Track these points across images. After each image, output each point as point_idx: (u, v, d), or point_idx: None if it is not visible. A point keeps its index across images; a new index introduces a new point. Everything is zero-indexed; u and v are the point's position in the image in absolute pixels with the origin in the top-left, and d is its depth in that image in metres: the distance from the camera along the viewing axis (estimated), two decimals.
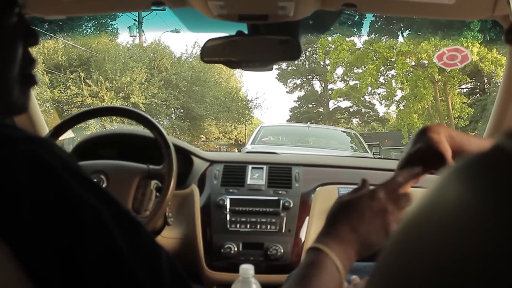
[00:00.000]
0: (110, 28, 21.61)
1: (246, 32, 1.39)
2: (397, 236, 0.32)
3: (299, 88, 38.35)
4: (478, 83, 26.42)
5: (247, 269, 1.48)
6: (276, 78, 37.69)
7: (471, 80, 25.23)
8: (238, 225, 1.92)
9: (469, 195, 0.27)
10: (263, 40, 1.42)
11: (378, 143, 31.36)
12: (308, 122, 12.08)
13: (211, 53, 1.43)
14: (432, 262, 0.27)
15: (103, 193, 0.58)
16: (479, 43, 17.94)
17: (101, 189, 0.58)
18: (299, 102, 38.60)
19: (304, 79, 37.85)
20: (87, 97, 18.67)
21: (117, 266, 0.55)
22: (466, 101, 23.05)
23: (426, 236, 0.29)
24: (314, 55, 35.03)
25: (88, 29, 20.90)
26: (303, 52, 33.48)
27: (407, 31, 22.73)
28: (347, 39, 23.60)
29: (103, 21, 20.52)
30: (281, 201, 1.95)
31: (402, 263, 0.30)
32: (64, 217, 0.53)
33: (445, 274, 0.26)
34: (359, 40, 24.39)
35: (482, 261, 0.24)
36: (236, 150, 22.73)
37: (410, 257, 0.29)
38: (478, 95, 26.00)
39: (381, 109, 41.64)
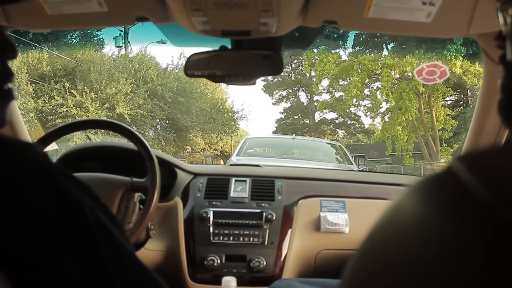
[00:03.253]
0: (95, 39, 21.53)
1: (229, 47, 1.40)
2: (362, 248, 0.34)
3: (285, 100, 38.52)
4: (462, 96, 26.75)
5: (229, 281, 1.49)
6: (262, 89, 37.88)
7: (454, 93, 25.56)
8: (221, 238, 1.93)
9: (422, 212, 0.29)
10: (246, 55, 1.44)
11: (363, 154, 31.57)
12: (294, 134, 12.08)
13: (195, 67, 1.44)
14: (391, 274, 0.29)
15: (92, 193, 0.59)
16: (462, 57, 18.20)
17: (89, 188, 0.59)
18: (285, 114, 38.73)
19: (290, 91, 38.03)
20: (71, 107, 18.52)
21: (127, 261, 0.57)
22: (450, 113, 23.31)
23: (386, 250, 0.31)
24: (300, 67, 35.26)
25: (73, 39, 20.78)
26: (289, 63, 33.69)
27: (392, 44, 22.98)
28: (333, 51, 23.74)
29: (88, 31, 20.43)
30: (264, 214, 1.96)
31: (365, 274, 0.32)
32: (72, 220, 0.54)
33: (402, 286, 0.28)
34: (345, 53, 24.58)
35: (431, 274, 0.26)
36: (222, 161, 22.69)
37: (372, 269, 0.31)
38: (461, 107, 26.32)
39: (366, 121, 41.90)
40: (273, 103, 42.38)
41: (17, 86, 15.87)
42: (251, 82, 1.49)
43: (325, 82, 28.60)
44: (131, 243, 0.62)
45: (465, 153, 0.31)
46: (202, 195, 2.05)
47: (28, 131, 1.77)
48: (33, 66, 18.59)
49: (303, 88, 37.29)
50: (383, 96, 23.57)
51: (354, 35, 22.21)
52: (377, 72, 23.09)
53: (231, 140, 27.37)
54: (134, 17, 1.31)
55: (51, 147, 1.91)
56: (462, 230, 0.26)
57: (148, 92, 21.28)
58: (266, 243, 1.92)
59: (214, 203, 2.02)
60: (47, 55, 19.25)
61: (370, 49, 23.56)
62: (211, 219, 1.96)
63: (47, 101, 18.71)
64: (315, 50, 24.10)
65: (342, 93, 26.26)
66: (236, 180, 2.10)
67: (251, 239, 1.92)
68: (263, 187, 2.08)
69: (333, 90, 29.35)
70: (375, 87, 25.09)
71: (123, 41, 21.64)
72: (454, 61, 18.27)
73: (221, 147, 27.52)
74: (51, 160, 0.57)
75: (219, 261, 1.88)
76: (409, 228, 0.29)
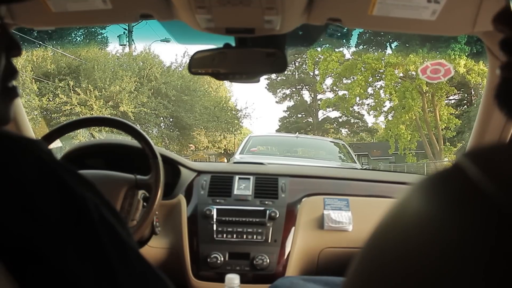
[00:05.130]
0: (99, 37, 21.59)
1: (233, 44, 1.40)
2: (366, 246, 0.34)
3: (288, 98, 38.53)
4: (466, 95, 26.70)
5: (232, 278, 1.49)
6: (266, 88, 37.90)
7: (458, 92, 25.50)
8: (224, 235, 1.93)
9: (428, 208, 0.29)
10: (250, 52, 1.43)
11: (367, 153, 31.55)
12: (297, 132, 12.06)
13: (199, 65, 1.44)
14: (396, 273, 0.29)
15: (96, 190, 0.59)
16: (466, 56, 18.16)
17: (93, 185, 0.59)
18: (289, 112, 38.74)
19: (294, 89, 38.02)
20: (75, 105, 18.56)
21: (131, 258, 0.57)
22: (453, 112, 23.29)
23: (392, 247, 0.31)
24: (304, 66, 35.23)
25: (77, 37, 20.85)
26: (293, 62, 33.68)
27: (395, 43, 22.97)
28: (336, 50, 23.75)
29: (92, 29, 20.48)
30: (268, 212, 1.96)
31: (370, 272, 0.32)
32: (76, 217, 0.54)
33: (409, 283, 0.28)
34: (348, 51, 24.57)
35: (438, 271, 0.26)
36: (225, 160, 22.68)
37: (377, 267, 0.31)
38: (465, 106, 26.27)
39: (370, 120, 41.78)
40: (276, 102, 42.45)
41: (21, 84, 15.91)
42: (255, 80, 1.49)
43: (328, 81, 28.67)
44: (135, 240, 0.63)
45: (472, 149, 0.31)
46: (205, 192, 2.05)
47: (32, 128, 1.78)
48: (38, 64, 18.62)
49: (307, 87, 37.29)
50: (387, 95, 23.57)
51: (358, 34, 22.24)
52: (380, 71, 23.07)
53: (235, 139, 27.36)
54: (138, 15, 1.31)
55: (55, 145, 1.92)
56: (470, 226, 0.26)
57: (152, 90, 21.29)
58: (269, 241, 1.92)
59: (217, 200, 2.02)
60: (52, 53, 19.28)
61: (373, 48, 23.55)
62: (215, 216, 1.96)
63: (51, 99, 18.74)
64: (319, 49, 24.13)
65: (345, 92, 26.25)
66: (239, 178, 2.11)
67: (255, 236, 1.92)
68: (267, 185, 2.08)
69: (337, 89, 29.31)
70: (378, 86, 25.07)
71: (127, 39, 21.67)
72: (458, 60, 18.25)
73: (225, 145, 27.51)
74: (55, 157, 0.57)
75: (222, 259, 1.88)
76: (415, 225, 0.29)
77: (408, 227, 0.30)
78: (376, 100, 25.42)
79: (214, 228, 1.94)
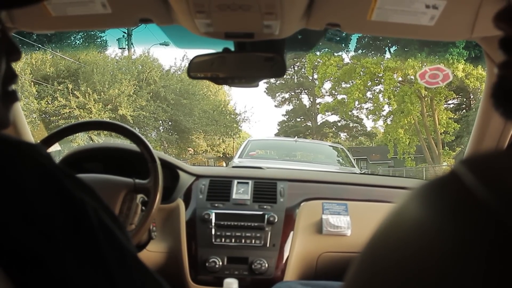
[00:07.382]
0: (99, 40, 21.60)
1: (232, 49, 1.40)
2: (365, 251, 0.34)
3: (287, 102, 38.55)
4: (464, 99, 26.75)
5: (230, 283, 1.49)
6: (265, 91, 37.95)
7: (457, 96, 25.54)
8: (223, 239, 1.93)
9: (424, 215, 0.29)
10: (249, 57, 1.43)
11: (365, 157, 31.55)
12: (296, 137, 12.04)
13: (198, 69, 1.44)
14: (393, 278, 0.29)
15: (95, 194, 0.59)
16: (464, 60, 18.19)
17: (92, 189, 0.59)
18: (287, 116, 38.75)
19: (293, 93, 38.06)
20: (74, 108, 18.57)
21: (130, 263, 0.57)
22: (452, 116, 23.32)
23: (390, 252, 0.31)
24: (303, 70, 35.29)
25: (76, 40, 20.84)
26: (292, 66, 33.71)
27: (394, 47, 22.99)
28: (335, 54, 23.77)
29: (92, 33, 20.48)
30: (266, 216, 1.96)
31: (368, 277, 0.32)
32: (75, 221, 0.54)
33: None
34: (347, 56, 24.61)
35: (436, 278, 0.26)
36: (224, 163, 22.67)
37: (375, 273, 0.31)
38: (464, 110, 26.32)
39: (368, 124, 41.86)
40: (275, 106, 42.66)
41: (20, 87, 15.90)
42: (254, 84, 1.49)
43: (327, 85, 28.65)
44: (133, 245, 0.63)
45: (468, 156, 0.31)
46: (204, 197, 2.05)
47: (31, 132, 1.77)
48: (37, 67, 18.64)
49: (306, 91, 37.34)
50: (385, 99, 23.60)
51: (357, 38, 22.26)
52: (379, 75, 23.10)
53: (233, 142, 27.37)
54: (137, 19, 1.32)
55: (54, 148, 1.91)
56: (466, 234, 0.26)
57: (151, 93, 21.31)
58: (268, 245, 1.92)
59: (216, 205, 2.02)
60: (51, 56, 19.30)
61: (372, 52, 23.59)
62: (213, 221, 1.96)
63: (50, 102, 18.76)
64: (318, 53, 24.13)
65: (344, 96, 26.30)
66: (238, 182, 2.10)
67: (253, 241, 1.92)
68: (265, 189, 2.08)
69: (336, 93, 29.39)
70: (377, 90, 25.12)
71: (126, 43, 21.68)
72: (457, 64, 18.27)
73: (223, 149, 27.51)
74: (54, 161, 0.57)
75: (220, 263, 1.88)
76: (412, 232, 0.29)
77: (406, 233, 0.30)
78: (375, 104, 25.47)
79: (213, 232, 1.94)
